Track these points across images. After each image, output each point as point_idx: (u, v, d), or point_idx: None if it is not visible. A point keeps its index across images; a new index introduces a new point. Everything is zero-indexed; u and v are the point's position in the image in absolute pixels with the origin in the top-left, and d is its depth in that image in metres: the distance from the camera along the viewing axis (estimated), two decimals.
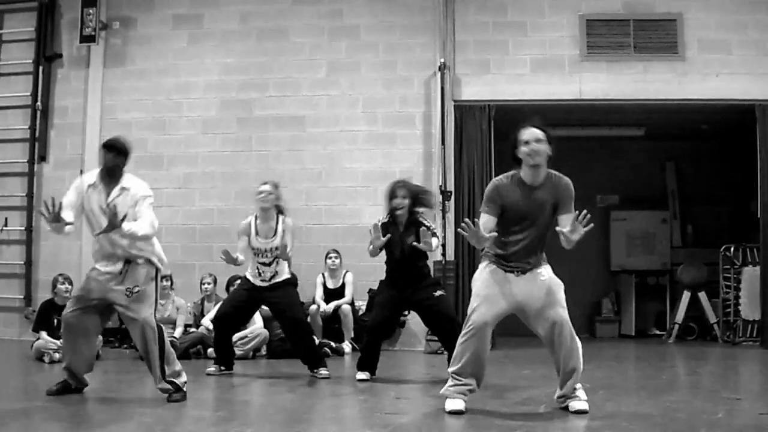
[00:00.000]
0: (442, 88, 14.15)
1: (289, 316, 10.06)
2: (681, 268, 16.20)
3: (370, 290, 13.76)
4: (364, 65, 14.53)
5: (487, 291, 7.07)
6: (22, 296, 14.74)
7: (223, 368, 10.25)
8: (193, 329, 12.79)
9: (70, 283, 12.24)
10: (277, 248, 9.92)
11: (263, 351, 12.47)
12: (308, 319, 12.69)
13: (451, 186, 13.98)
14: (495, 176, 13.55)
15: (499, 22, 14.35)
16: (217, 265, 13.45)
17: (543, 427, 6.49)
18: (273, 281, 10.03)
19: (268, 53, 14.67)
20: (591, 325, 17.44)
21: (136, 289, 7.89)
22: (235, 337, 12.23)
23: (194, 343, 12.31)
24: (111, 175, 8.01)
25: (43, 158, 14.97)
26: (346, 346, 12.96)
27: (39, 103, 14.90)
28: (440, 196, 13.80)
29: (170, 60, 14.86)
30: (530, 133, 6.98)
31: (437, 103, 14.17)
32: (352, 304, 13.38)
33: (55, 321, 11.94)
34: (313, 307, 13.20)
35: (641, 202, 17.46)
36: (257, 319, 12.45)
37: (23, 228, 14.85)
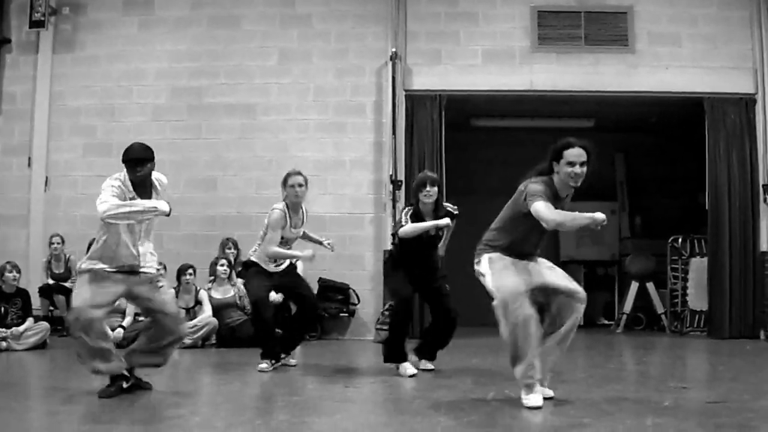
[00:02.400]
0: (394, 78, 14.16)
1: (309, 296, 10.10)
2: (629, 259, 16.34)
3: (320, 279, 13.76)
4: (316, 54, 14.51)
5: (510, 268, 7.03)
6: None
7: (274, 362, 9.79)
8: (141, 318, 12.69)
9: (18, 272, 12.14)
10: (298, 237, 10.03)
11: (213, 340, 12.44)
12: None
13: (401, 176, 13.98)
14: (445, 165, 13.70)
15: (451, 13, 14.38)
16: (167, 254, 13.41)
17: (491, 414, 6.52)
18: (283, 267, 9.92)
19: (219, 41, 14.59)
20: (540, 314, 17.53)
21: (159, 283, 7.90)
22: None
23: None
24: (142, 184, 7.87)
25: None
26: None
27: None
28: (390, 186, 13.85)
29: (120, 46, 14.72)
30: (577, 155, 6.93)
31: (388, 92, 14.18)
32: None
33: (2, 309, 11.83)
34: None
35: (590, 193, 17.40)
36: (206, 308, 12.43)
37: None
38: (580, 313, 7.30)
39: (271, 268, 9.82)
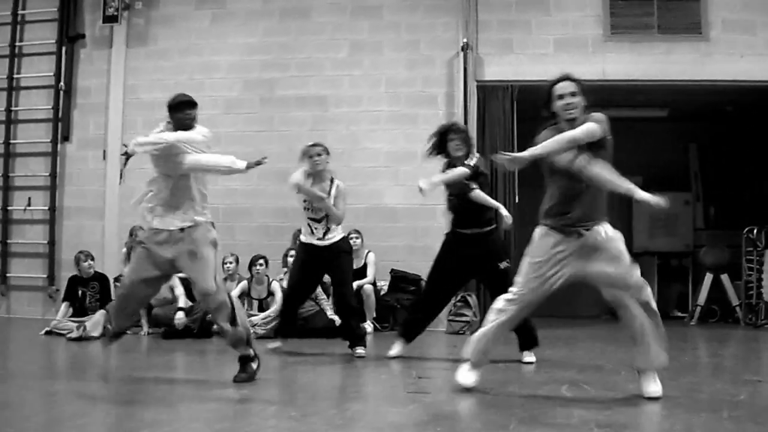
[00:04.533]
0: (465, 68, 14.12)
1: (339, 292, 10.11)
2: (703, 250, 16.16)
3: (392, 270, 13.79)
4: (387, 45, 14.51)
5: (536, 259, 6.91)
6: (45, 275, 14.80)
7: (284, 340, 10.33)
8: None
9: (92, 259, 12.53)
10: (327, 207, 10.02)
11: None
12: (330, 299, 12.75)
13: None
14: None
15: (522, 2, 14.31)
16: (239, 245, 13.51)
17: (563, 409, 6.49)
18: (328, 239, 9.97)
19: (290, 33, 14.66)
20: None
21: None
22: (258, 317, 12.28)
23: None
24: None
25: (66, 138, 15.02)
26: (368, 326, 12.97)
27: (62, 83, 14.94)
28: None
29: (193, 40, 14.87)
30: (563, 87, 6.95)
31: (460, 83, 14.15)
32: (374, 284, 13.39)
33: (80, 292, 12.20)
34: None
35: (664, 183, 17.32)
36: (279, 299, 12.48)
37: (47, 207, 14.92)
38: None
39: (314, 240, 10.01)
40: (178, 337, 11.79)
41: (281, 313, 10.56)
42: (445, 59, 14.33)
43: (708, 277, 15.69)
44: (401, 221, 13.91)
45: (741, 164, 17.35)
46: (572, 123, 6.86)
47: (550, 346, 10.59)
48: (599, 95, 7.27)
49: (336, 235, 10.05)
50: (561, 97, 6.92)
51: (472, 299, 13.46)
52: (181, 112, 7.85)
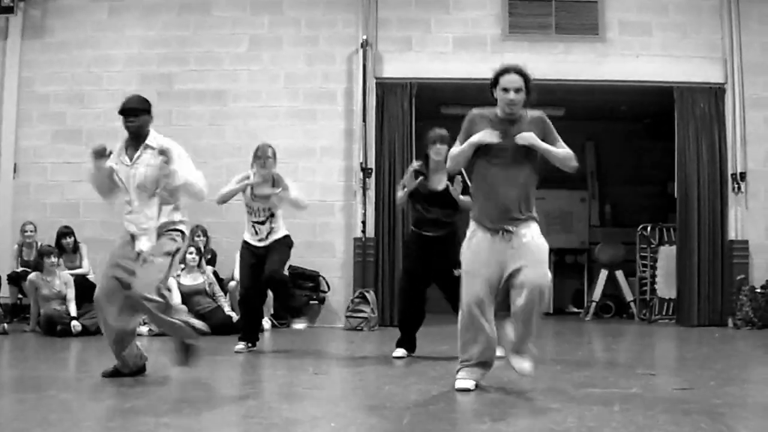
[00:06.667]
0: (364, 65, 14.16)
1: (267, 273, 9.89)
2: (598, 247, 16.42)
3: (290, 267, 13.71)
4: (286, 40, 14.47)
5: (472, 265, 6.98)
6: None
7: (250, 345, 9.93)
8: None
9: None
10: (269, 209, 9.94)
11: None
12: (227, 296, 12.72)
13: (371, 163, 14.01)
14: (415, 154, 13.72)
15: (422, 0, 14.38)
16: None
17: (458, 401, 6.52)
18: (270, 239, 9.90)
19: (189, 27, 14.53)
20: (509, 301, 17.60)
21: (150, 258, 7.42)
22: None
23: None
24: (136, 138, 7.54)
25: None
26: (266, 323, 12.90)
27: None
28: (361, 174, 13.86)
29: (90, 32, 14.63)
30: (509, 81, 6.80)
31: (359, 79, 14.18)
32: None
33: None
34: (232, 283, 13.06)
35: (560, 181, 17.50)
36: (175, 296, 12.36)
37: None
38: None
39: (255, 242, 9.93)
40: (71, 335, 11.63)
41: (244, 317, 10.24)
42: (344, 55, 14.35)
43: (603, 274, 15.96)
44: (299, 217, 13.84)
45: (635, 163, 17.64)
46: (510, 116, 6.84)
47: (448, 341, 10.65)
48: None
49: (278, 233, 10.01)
50: (505, 90, 6.81)
51: (370, 295, 13.49)
52: (124, 121, 7.55)
